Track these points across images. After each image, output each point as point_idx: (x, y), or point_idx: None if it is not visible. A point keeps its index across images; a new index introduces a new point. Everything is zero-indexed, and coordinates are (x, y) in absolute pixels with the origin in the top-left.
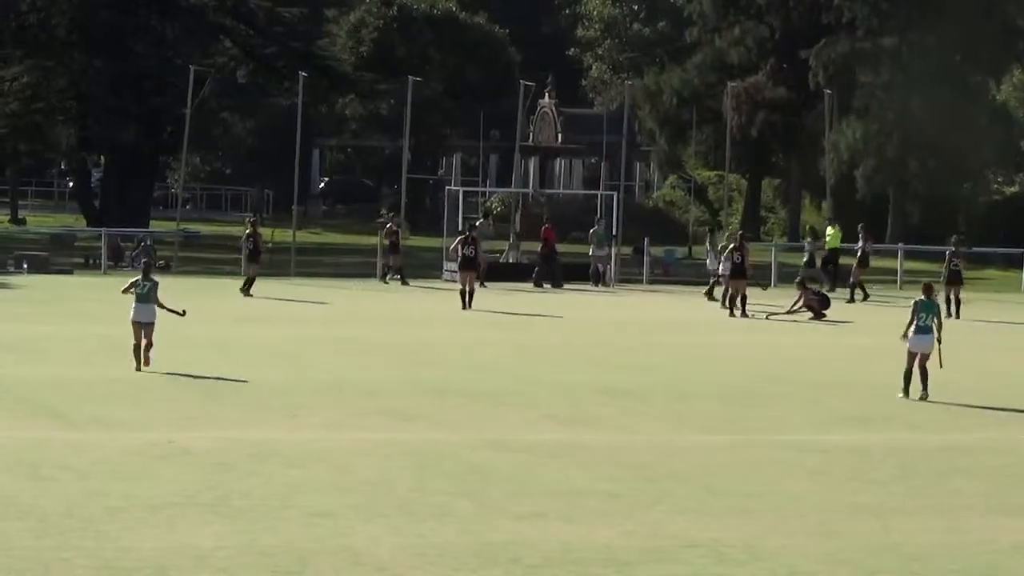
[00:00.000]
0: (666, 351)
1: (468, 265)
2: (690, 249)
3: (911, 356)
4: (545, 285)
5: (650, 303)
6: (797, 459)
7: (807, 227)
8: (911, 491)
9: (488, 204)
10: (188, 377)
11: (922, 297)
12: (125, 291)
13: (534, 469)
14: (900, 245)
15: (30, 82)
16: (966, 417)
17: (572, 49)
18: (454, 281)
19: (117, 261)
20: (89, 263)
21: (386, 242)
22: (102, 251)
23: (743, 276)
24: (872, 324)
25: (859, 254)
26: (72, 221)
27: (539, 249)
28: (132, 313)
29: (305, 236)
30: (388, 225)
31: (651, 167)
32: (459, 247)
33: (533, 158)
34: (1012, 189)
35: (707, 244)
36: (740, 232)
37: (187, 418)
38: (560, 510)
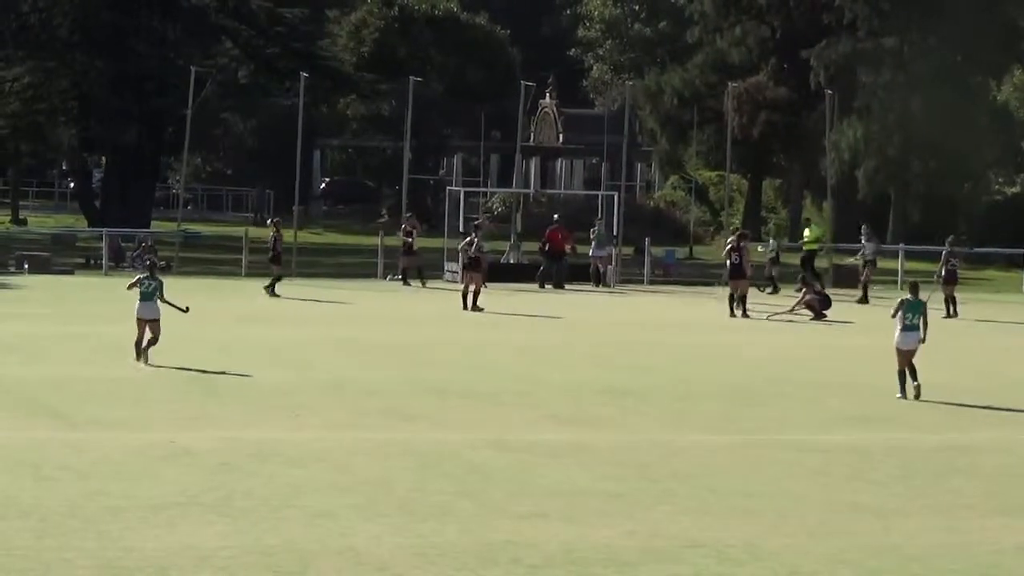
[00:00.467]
0: (667, 351)
1: (473, 266)
2: (691, 249)
3: (900, 354)
4: (547, 286)
5: (651, 303)
6: (798, 459)
7: (772, 225)
8: (912, 491)
9: (488, 204)
10: (189, 377)
11: (908, 296)
12: (130, 287)
13: (535, 469)
14: (901, 245)
15: (32, 82)
16: (966, 417)
17: (573, 49)
18: (455, 281)
19: (118, 262)
20: (90, 263)
21: (408, 240)
22: (103, 252)
23: (742, 276)
24: (872, 324)
25: (861, 257)
26: (73, 221)
27: (543, 249)
28: (136, 309)
29: (306, 236)
30: (403, 226)
31: (652, 167)
32: (466, 248)
33: (534, 158)
34: (1013, 189)
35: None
36: (739, 232)
37: (188, 418)
38: (561, 510)
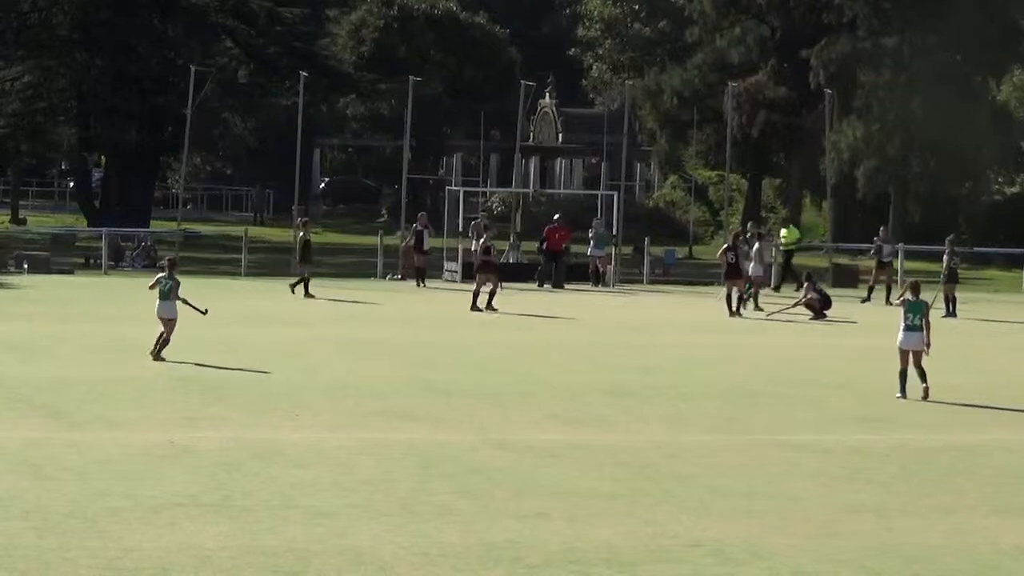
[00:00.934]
0: (667, 351)
1: (488, 267)
2: (690, 249)
3: (903, 355)
4: (546, 285)
5: (651, 303)
6: (799, 459)
7: (748, 225)
8: (913, 491)
9: (488, 204)
10: (190, 377)
11: (910, 296)
12: (151, 288)
13: (536, 469)
14: (900, 245)
15: (31, 82)
16: (968, 417)
17: (572, 49)
18: (455, 281)
19: (118, 261)
20: (90, 263)
21: (412, 241)
22: (103, 251)
23: (738, 276)
24: (873, 324)
25: (876, 258)
26: (73, 221)
27: (540, 248)
28: (156, 307)
29: None
30: (414, 225)
31: (651, 167)
32: (480, 248)
33: (534, 158)
34: (1013, 189)
35: (752, 251)
36: (736, 232)
37: (189, 418)
38: (562, 510)
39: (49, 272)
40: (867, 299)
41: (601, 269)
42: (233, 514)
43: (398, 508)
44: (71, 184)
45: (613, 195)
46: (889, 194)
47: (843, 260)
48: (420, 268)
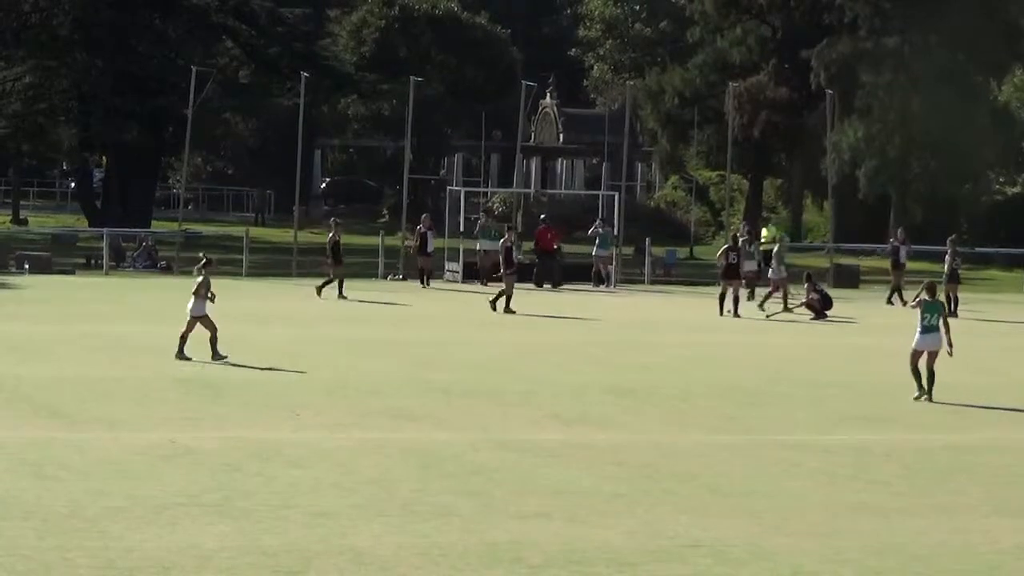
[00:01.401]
0: (668, 351)
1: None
2: (691, 250)
3: (916, 355)
4: (545, 285)
5: (652, 303)
6: (799, 459)
7: (740, 225)
8: (914, 491)
9: (489, 204)
10: (190, 377)
11: (926, 297)
12: (206, 294)
13: (537, 469)
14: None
15: (32, 82)
16: (968, 417)
17: (573, 49)
18: (456, 281)
19: (119, 262)
20: (91, 263)
21: (417, 243)
22: (104, 251)
23: (736, 276)
24: (874, 324)
25: (893, 259)
26: (74, 221)
27: (534, 248)
28: (192, 307)
29: (307, 236)
30: (418, 227)
31: (652, 167)
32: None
33: (535, 158)
34: (1014, 189)
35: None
36: (735, 233)
37: (190, 418)
38: (563, 510)
39: (50, 272)
40: (892, 302)
41: (604, 270)
42: (233, 514)
43: (398, 508)
44: (72, 184)
45: (614, 195)
46: (890, 194)
47: (844, 260)
48: (424, 269)
